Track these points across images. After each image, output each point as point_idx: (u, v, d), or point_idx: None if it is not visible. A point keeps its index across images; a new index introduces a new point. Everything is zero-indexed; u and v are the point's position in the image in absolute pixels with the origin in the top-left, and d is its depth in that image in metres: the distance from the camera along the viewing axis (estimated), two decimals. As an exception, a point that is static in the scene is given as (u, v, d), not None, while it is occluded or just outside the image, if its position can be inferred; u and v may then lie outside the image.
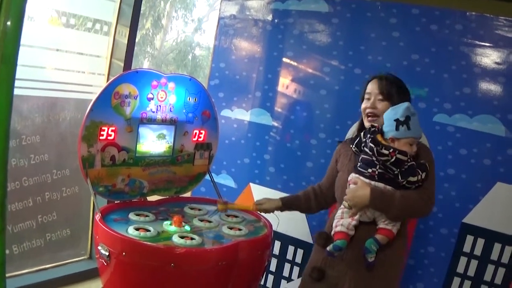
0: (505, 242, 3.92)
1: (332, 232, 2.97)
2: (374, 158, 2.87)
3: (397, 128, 2.84)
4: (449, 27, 4.08)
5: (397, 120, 2.85)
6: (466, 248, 4.04)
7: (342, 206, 3.01)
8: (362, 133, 3.03)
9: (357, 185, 2.91)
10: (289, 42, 4.72)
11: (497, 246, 3.93)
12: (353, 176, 2.98)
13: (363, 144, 2.98)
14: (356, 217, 2.93)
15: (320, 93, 4.53)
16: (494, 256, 3.95)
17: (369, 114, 3.09)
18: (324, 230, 3.17)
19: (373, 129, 2.94)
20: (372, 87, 3.10)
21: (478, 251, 4.01)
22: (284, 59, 4.74)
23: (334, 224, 2.98)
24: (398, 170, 2.83)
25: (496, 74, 3.96)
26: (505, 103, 3.92)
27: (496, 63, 3.95)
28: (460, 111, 4.03)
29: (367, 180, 2.89)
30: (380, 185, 2.87)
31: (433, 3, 4.17)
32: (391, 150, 2.80)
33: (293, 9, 4.68)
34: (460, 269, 4.06)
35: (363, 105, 3.13)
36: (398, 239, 2.97)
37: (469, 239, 4.02)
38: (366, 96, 3.13)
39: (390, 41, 4.27)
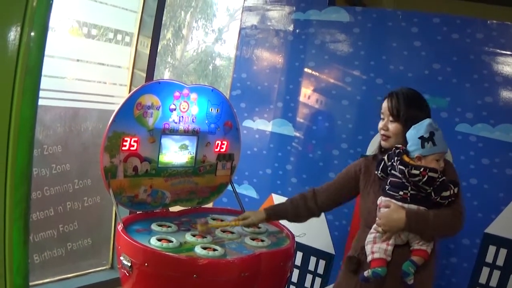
0: (528, 253, 3.89)
1: (369, 259, 2.89)
2: (404, 180, 2.83)
3: (422, 146, 2.81)
4: (470, 35, 4.06)
5: (421, 138, 2.82)
6: (489, 258, 3.99)
7: (373, 231, 2.94)
8: (386, 157, 2.98)
9: (391, 209, 2.85)
10: (311, 52, 4.71)
11: (520, 257, 3.89)
12: (383, 199, 2.93)
13: (389, 168, 2.94)
14: (391, 241, 2.87)
15: (342, 103, 4.52)
16: (517, 266, 3.91)
17: (382, 135, 3.08)
18: (353, 254, 3.10)
19: (398, 150, 2.90)
20: (385, 106, 3.07)
21: (500, 261, 3.96)
22: (306, 69, 4.73)
23: (369, 250, 2.90)
24: (431, 188, 2.79)
25: (518, 82, 3.93)
26: (528, 112, 3.89)
27: (518, 71, 3.93)
28: (482, 121, 4.00)
29: (399, 203, 2.84)
30: (413, 207, 2.82)
31: (454, 12, 4.15)
32: (421, 170, 2.76)
33: (314, 19, 4.68)
34: (483, 279, 4.02)
35: (379, 125, 3.12)
36: (431, 258, 2.93)
37: (492, 249, 3.98)
38: (381, 115, 3.11)
39: (412, 51, 4.25)
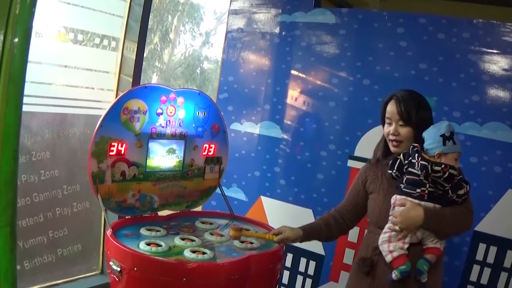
0: (517, 250, 3.90)
1: (389, 259, 2.87)
2: (422, 178, 2.84)
3: (444, 143, 2.84)
4: (457, 35, 4.07)
5: (443, 136, 2.84)
6: (479, 256, 4.00)
7: (387, 230, 2.93)
8: (401, 156, 2.96)
9: (407, 207, 2.83)
10: (297, 54, 4.73)
11: (510, 254, 3.89)
12: (398, 197, 2.92)
13: (406, 166, 2.93)
14: (407, 239, 2.86)
15: (329, 104, 4.53)
16: (507, 263, 3.92)
17: (393, 141, 3.04)
18: (365, 255, 3.08)
19: (416, 148, 2.90)
20: (391, 111, 3.04)
21: (491, 259, 3.97)
22: (293, 71, 4.75)
23: (386, 250, 2.88)
24: (450, 185, 2.82)
25: (505, 81, 3.95)
26: (515, 110, 3.91)
27: (505, 69, 3.94)
28: (470, 119, 4.01)
29: (416, 201, 2.85)
30: (430, 204, 2.84)
31: (440, 12, 4.16)
32: (443, 166, 2.78)
33: (300, 21, 4.69)
34: (474, 277, 4.03)
35: (386, 130, 3.10)
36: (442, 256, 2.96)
37: (482, 247, 3.99)
38: (386, 120, 3.08)
39: (398, 51, 4.27)
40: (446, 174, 2.78)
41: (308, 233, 3.25)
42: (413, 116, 2.96)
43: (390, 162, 3.03)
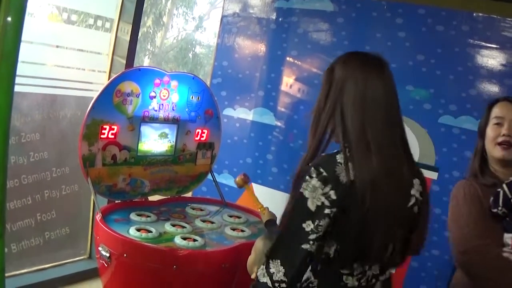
0: (509, 246, 3.87)
1: None
2: None
3: None
4: (456, 28, 4.05)
5: None
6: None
7: None
8: (505, 187, 2.55)
9: None
10: (293, 41, 4.69)
11: (501, 250, 3.87)
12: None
13: None
14: None
15: (324, 93, 4.48)
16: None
17: (504, 143, 2.68)
18: None
19: None
20: (504, 112, 2.73)
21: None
22: (288, 58, 4.71)
23: None
24: None
25: (503, 76, 3.94)
26: (511, 106, 3.88)
27: (503, 64, 3.93)
28: (466, 113, 4.00)
29: None
30: None
31: (440, 4, 4.13)
32: None
33: (297, 8, 4.65)
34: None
35: (493, 133, 2.73)
36: None
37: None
38: (494, 121, 2.75)
39: (396, 41, 4.24)
40: None
41: None
42: None
43: (492, 198, 2.61)
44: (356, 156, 1.92)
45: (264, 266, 1.92)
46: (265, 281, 1.89)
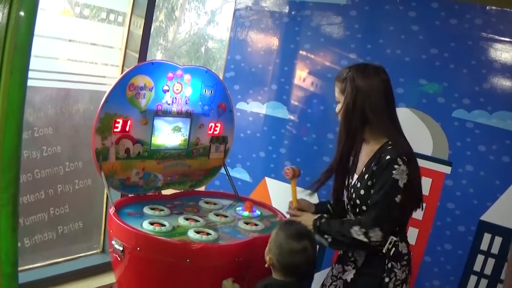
0: (523, 241, 3.86)
1: None
2: None
3: None
4: (469, 21, 4.02)
5: None
6: (484, 246, 3.99)
7: None
8: None
9: None
10: (306, 35, 4.67)
11: (515, 245, 3.86)
12: None
13: None
14: None
15: (337, 86, 4.47)
16: (512, 254, 3.88)
17: None
18: None
19: None
20: None
21: (495, 249, 3.96)
22: (301, 52, 4.69)
23: None
24: None
25: (517, 70, 3.90)
26: (526, 100, 3.86)
27: (516, 58, 3.89)
28: (480, 107, 3.98)
29: None
30: None
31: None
32: None
33: (310, 1, 4.63)
34: (477, 267, 4.02)
35: None
36: None
37: (487, 237, 3.97)
38: None
39: (409, 35, 4.22)
40: None
41: None
42: None
43: None
44: (398, 142, 2.75)
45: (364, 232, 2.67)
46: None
